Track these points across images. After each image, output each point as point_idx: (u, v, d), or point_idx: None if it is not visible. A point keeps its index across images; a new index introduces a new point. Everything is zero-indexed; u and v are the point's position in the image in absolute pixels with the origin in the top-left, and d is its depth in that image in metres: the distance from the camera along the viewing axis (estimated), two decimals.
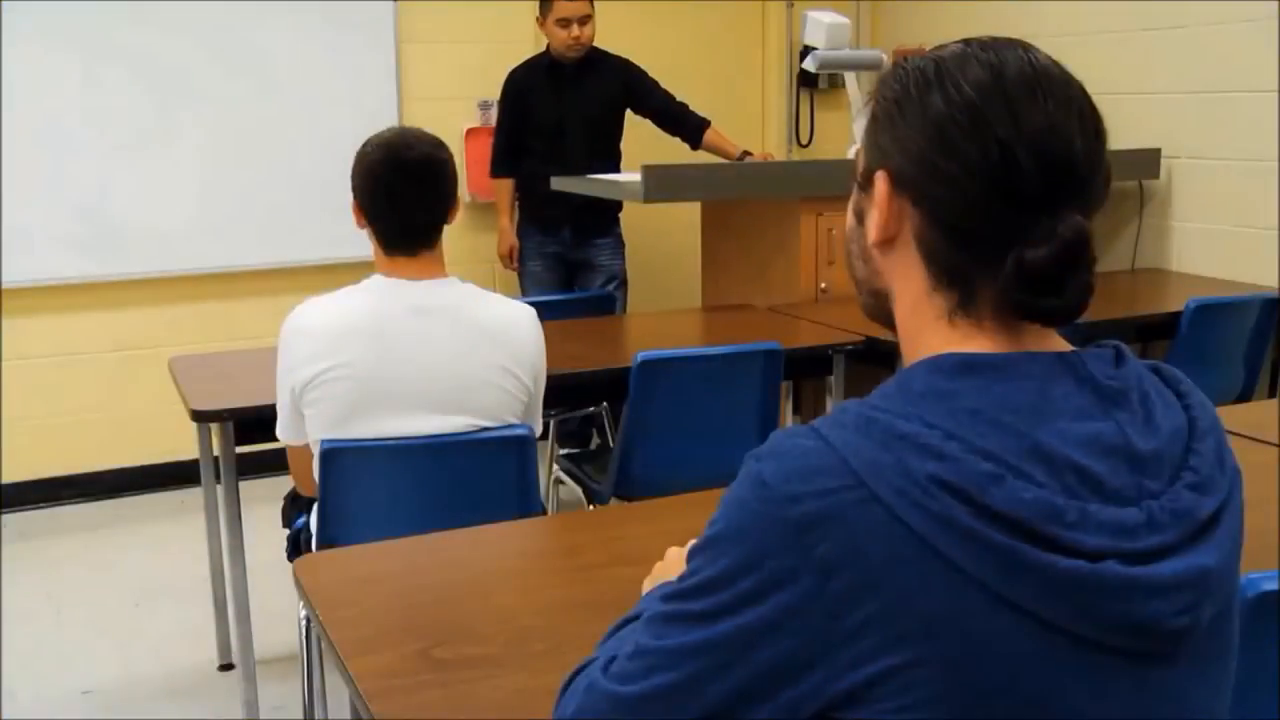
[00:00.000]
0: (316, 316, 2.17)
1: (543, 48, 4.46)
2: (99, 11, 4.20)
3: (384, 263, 2.22)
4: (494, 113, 4.92)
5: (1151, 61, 4.26)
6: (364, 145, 2.23)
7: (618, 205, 4.55)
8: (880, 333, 1.06)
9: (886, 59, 4.04)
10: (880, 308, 1.02)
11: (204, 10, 4.34)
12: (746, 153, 4.41)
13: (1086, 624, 0.82)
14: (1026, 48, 0.93)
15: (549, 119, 4.38)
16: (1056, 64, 0.93)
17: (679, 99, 4.52)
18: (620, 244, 4.62)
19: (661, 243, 5.24)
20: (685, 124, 4.51)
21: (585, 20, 4.29)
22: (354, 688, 1.32)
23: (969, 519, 0.81)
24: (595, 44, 4.40)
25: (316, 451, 2.20)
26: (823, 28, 3.88)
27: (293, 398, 2.19)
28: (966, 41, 0.95)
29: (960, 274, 0.93)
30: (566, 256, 4.56)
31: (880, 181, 0.95)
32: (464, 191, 4.89)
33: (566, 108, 4.36)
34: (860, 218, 1.01)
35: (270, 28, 4.46)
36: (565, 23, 4.26)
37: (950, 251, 0.92)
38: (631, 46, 5.29)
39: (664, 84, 5.39)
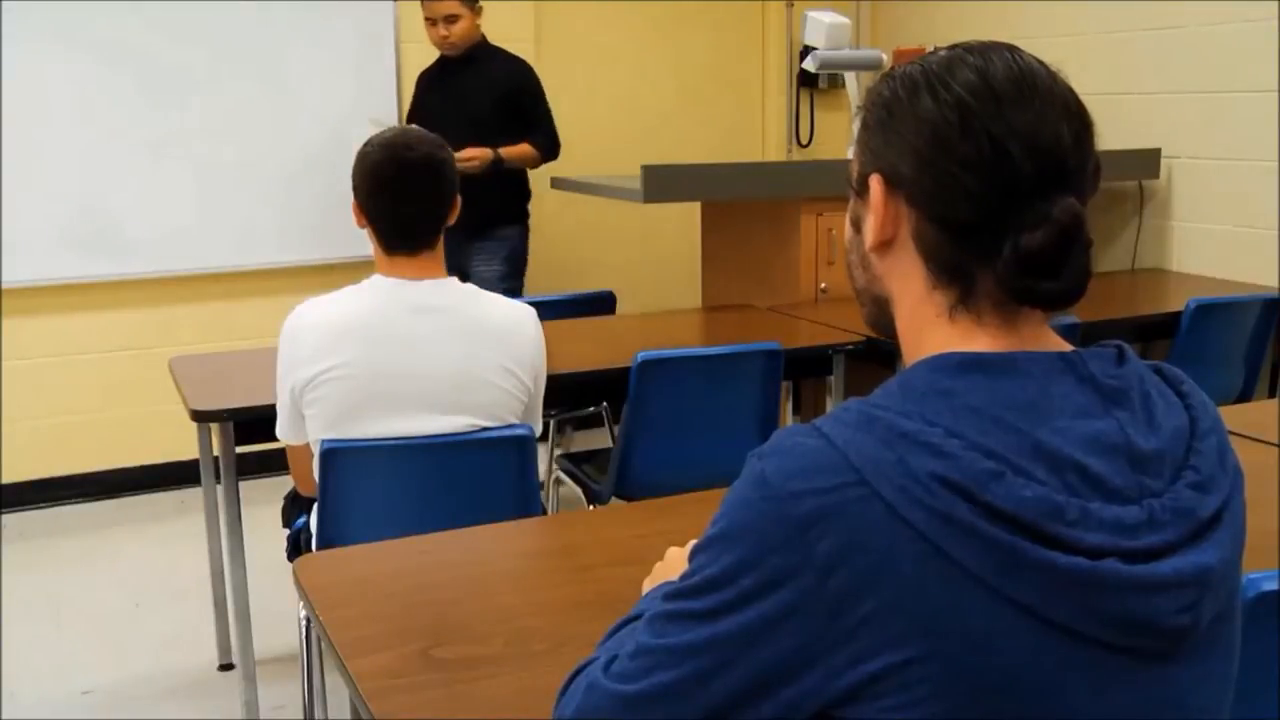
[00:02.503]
0: (317, 316, 2.17)
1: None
2: (99, 12, 4.20)
3: (384, 263, 2.22)
4: None
5: (1151, 61, 4.26)
6: (365, 145, 2.23)
7: (506, 203, 4.35)
8: None
9: (886, 59, 4.04)
10: (883, 315, 1.02)
11: (204, 10, 4.34)
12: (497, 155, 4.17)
13: (1087, 621, 0.82)
14: (1012, 50, 0.95)
15: (432, 115, 4.10)
16: (1042, 63, 0.95)
17: (548, 134, 4.31)
18: (505, 248, 4.37)
19: (661, 243, 5.24)
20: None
21: (452, 19, 4.16)
22: (354, 688, 1.32)
23: (970, 516, 0.81)
24: (498, 43, 4.32)
25: (316, 451, 2.20)
26: (823, 28, 3.88)
27: (292, 398, 2.19)
28: (952, 46, 0.97)
29: (959, 268, 0.93)
30: (448, 260, 4.39)
31: (875, 184, 0.97)
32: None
33: (448, 104, 4.22)
34: (858, 226, 1.02)
35: (270, 28, 4.46)
36: (431, 21, 4.19)
37: (948, 246, 0.93)
38: (632, 47, 5.31)
39: (663, 85, 5.42)
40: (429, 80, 4.39)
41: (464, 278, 4.02)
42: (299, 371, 2.16)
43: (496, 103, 4.23)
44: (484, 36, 4.29)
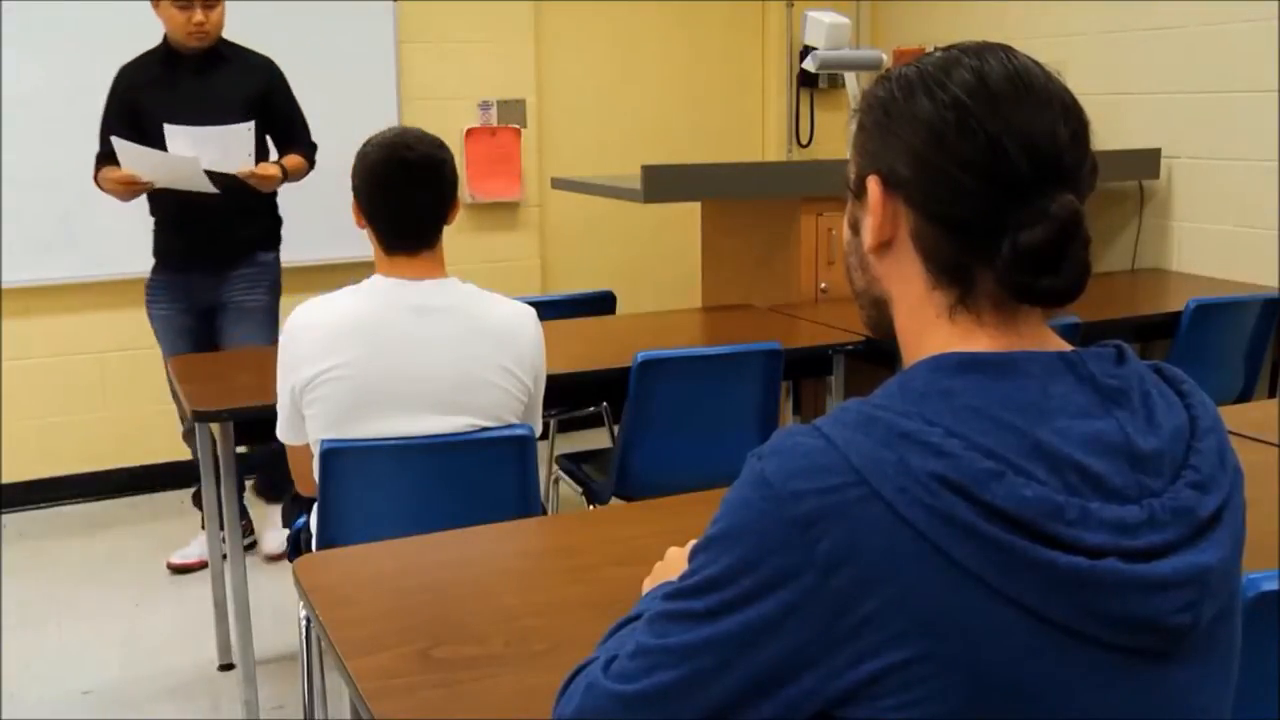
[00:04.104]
0: (316, 316, 2.17)
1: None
2: (99, 11, 4.20)
3: (384, 263, 2.22)
4: (494, 112, 4.93)
5: (1151, 61, 4.26)
6: (364, 145, 2.23)
7: (268, 229, 3.78)
8: None
9: (886, 59, 4.04)
10: (882, 317, 1.03)
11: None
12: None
13: (1087, 621, 0.82)
14: (1008, 50, 0.96)
15: (161, 124, 3.42)
16: (1037, 64, 0.95)
17: (310, 142, 3.73)
18: (268, 275, 3.76)
19: (661, 243, 5.24)
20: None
21: (212, 3, 3.45)
22: (354, 688, 1.32)
23: (970, 516, 0.81)
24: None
25: (317, 452, 2.20)
26: (823, 28, 3.88)
27: (292, 398, 2.19)
28: (948, 48, 0.97)
29: (959, 268, 0.93)
30: (199, 299, 3.66)
31: (873, 185, 0.97)
32: (464, 192, 4.90)
33: (184, 110, 3.45)
34: (856, 228, 1.02)
35: (270, 28, 4.45)
36: (184, 3, 3.41)
37: (947, 245, 0.93)
38: (632, 47, 5.31)
39: (663, 85, 5.41)
40: (151, 82, 3.55)
41: (226, 312, 3.66)
42: (299, 372, 2.16)
43: (250, 108, 3.54)
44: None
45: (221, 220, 3.57)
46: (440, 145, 2.23)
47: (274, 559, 3.75)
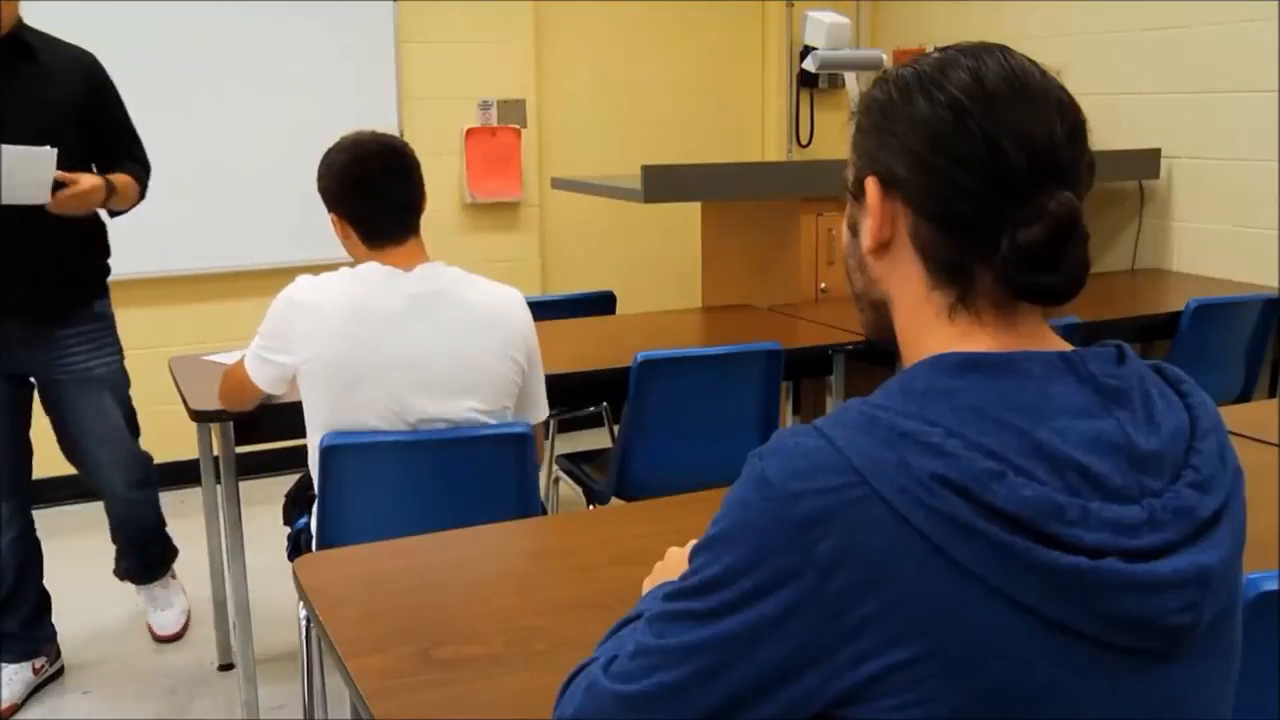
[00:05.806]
0: (316, 297, 2.18)
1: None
2: (99, 11, 4.20)
3: (373, 259, 2.24)
4: (494, 112, 4.93)
5: (1151, 61, 4.26)
6: (325, 156, 2.29)
7: (103, 268, 3.04)
8: None
9: (887, 59, 4.04)
10: (881, 320, 1.03)
11: (203, 10, 4.34)
12: None
13: (1088, 621, 0.82)
14: (1004, 50, 0.96)
15: None
16: (1034, 64, 0.96)
17: (145, 157, 3.05)
18: (106, 331, 3.01)
19: (661, 243, 5.24)
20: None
21: None
22: (354, 688, 1.32)
23: (971, 516, 0.81)
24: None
25: (315, 445, 2.20)
26: (823, 28, 3.88)
27: (284, 368, 2.21)
28: (944, 49, 0.97)
29: (957, 267, 0.94)
30: (17, 361, 2.91)
31: (871, 186, 0.97)
32: (464, 192, 4.90)
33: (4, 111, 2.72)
34: (855, 230, 1.03)
35: (270, 27, 4.46)
36: None
37: (946, 244, 0.94)
38: (632, 47, 5.30)
39: (663, 85, 5.41)
40: None
41: (54, 387, 2.92)
42: (294, 352, 2.17)
43: (75, 104, 2.83)
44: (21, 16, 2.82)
45: (38, 257, 2.81)
46: (398, 138, 2.30)
47: (165, 639, 3.31)
